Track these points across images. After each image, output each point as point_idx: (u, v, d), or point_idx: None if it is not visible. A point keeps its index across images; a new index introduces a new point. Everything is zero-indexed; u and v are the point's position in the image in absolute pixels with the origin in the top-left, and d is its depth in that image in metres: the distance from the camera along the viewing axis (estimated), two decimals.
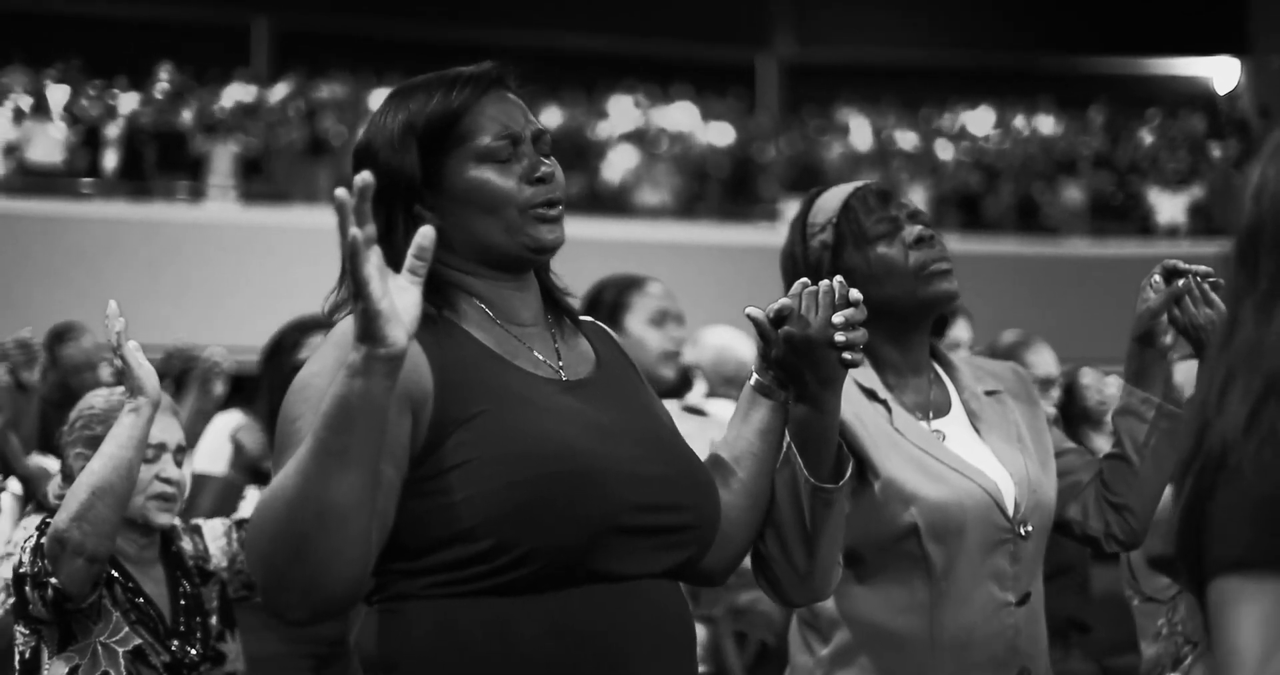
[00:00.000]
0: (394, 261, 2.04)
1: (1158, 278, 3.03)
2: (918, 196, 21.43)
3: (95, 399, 3.69)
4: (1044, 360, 5.21)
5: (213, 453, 5.72)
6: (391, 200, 2.33)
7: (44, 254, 16.36)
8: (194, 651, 3.55)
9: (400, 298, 2.00)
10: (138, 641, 3.48)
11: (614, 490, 2.24)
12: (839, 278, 2.48)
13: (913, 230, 2.99)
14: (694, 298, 6.98)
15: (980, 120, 24.22)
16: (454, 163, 2.37)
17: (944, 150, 22.93)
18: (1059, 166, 22.43)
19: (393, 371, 2.00)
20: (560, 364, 2.41)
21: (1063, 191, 21.95)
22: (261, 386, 5.44)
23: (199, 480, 5.62)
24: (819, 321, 2.44)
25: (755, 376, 2.54)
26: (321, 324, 5.47)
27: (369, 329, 1.97)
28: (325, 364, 2.19)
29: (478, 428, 2.22)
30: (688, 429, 4.73)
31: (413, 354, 2.20)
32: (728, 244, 18.28)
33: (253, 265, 16.55)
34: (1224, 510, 1.64)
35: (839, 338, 2.43)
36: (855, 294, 2.46)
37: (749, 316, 2.51)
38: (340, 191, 1.91)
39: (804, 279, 2.51)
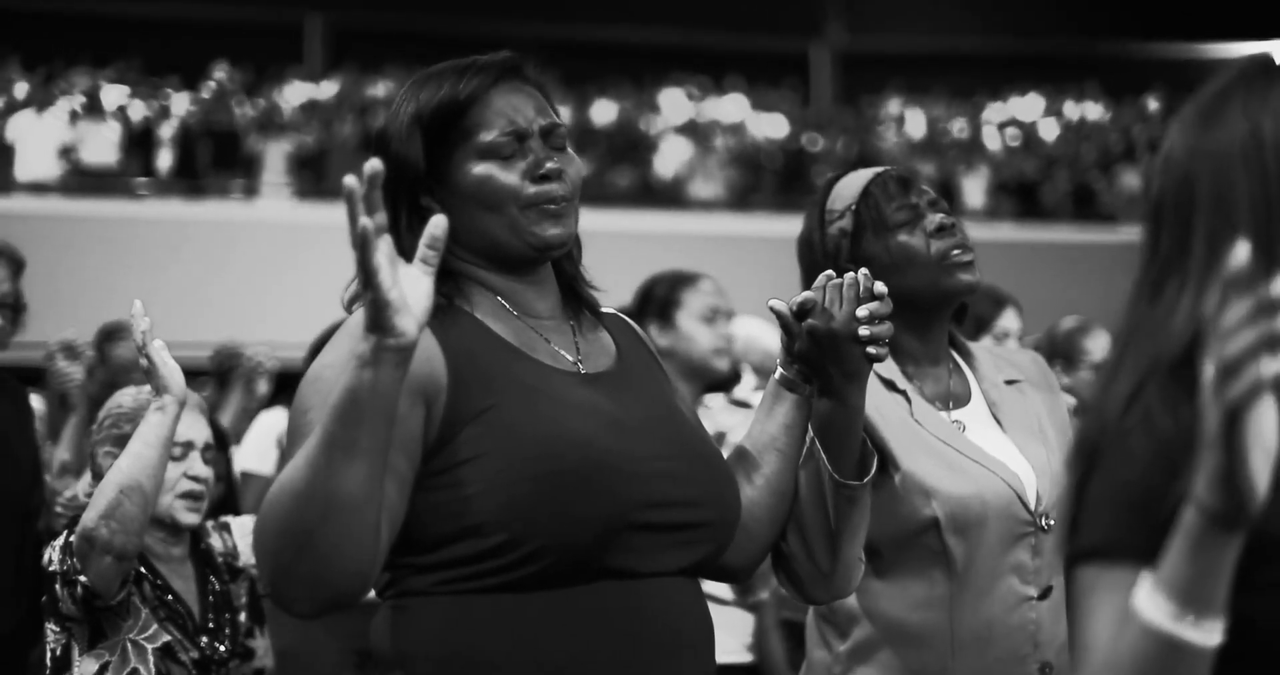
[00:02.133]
0: (400, 252, 2.01)
1: None
2: (973, 185, 21.35)
3: (124, 398, 3.72)
4: (1102, 346, 5.16)
5: (259, 452, 5.74)
6: (397, 191, 2.30)
7: (99, 254, 16.44)
8: (223, 648, 3.57)
9: (411, 288, 1.96)
10: (166, 638, 3.50)
11: (627, 486, 2.21)
12: (864, 271, 2.45)
13: (934, 218, 2.93)
14: (748, 290, 6.95)
15: (1033, 107, 24.08)
16: (458, 157, 2.34)
17: (993, 138, 22.81)
18: (1115, 153, 22.28)
19: (402, 362, 1.97)
20: (579, 356, 2.38)
21: (1119, 178, 21.80)
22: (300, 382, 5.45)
23: (245, 479, 5.63)
24: (843, 315, 2.42)
25: (780, 370, 2.51)
26: None
27: (378, 319, 1.94)
28: (338, 354, 2.16)
29: (490, 421, 2.20)
30: (733, 421, 4.75)
31: (427, 345, 2.18)
32: (782, 236, 18.17)
33: (306, 263, 16.59)
34: (1092, 495, 1.60)
35: (863, 332, 2.41)
36: (880, 287, 2.43)
37: (772, 309, 2.48)
38: (349, 179, 1.89)
39: (828, 271, 2.49)
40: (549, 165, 2.33)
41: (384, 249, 1.92)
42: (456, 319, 2.30)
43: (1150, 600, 1.46)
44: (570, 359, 2.36)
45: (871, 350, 2.42)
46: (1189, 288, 1.62)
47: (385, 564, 2.16)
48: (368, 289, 1.93)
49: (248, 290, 16.51)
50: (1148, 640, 1.46)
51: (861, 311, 2.41)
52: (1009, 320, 5.56)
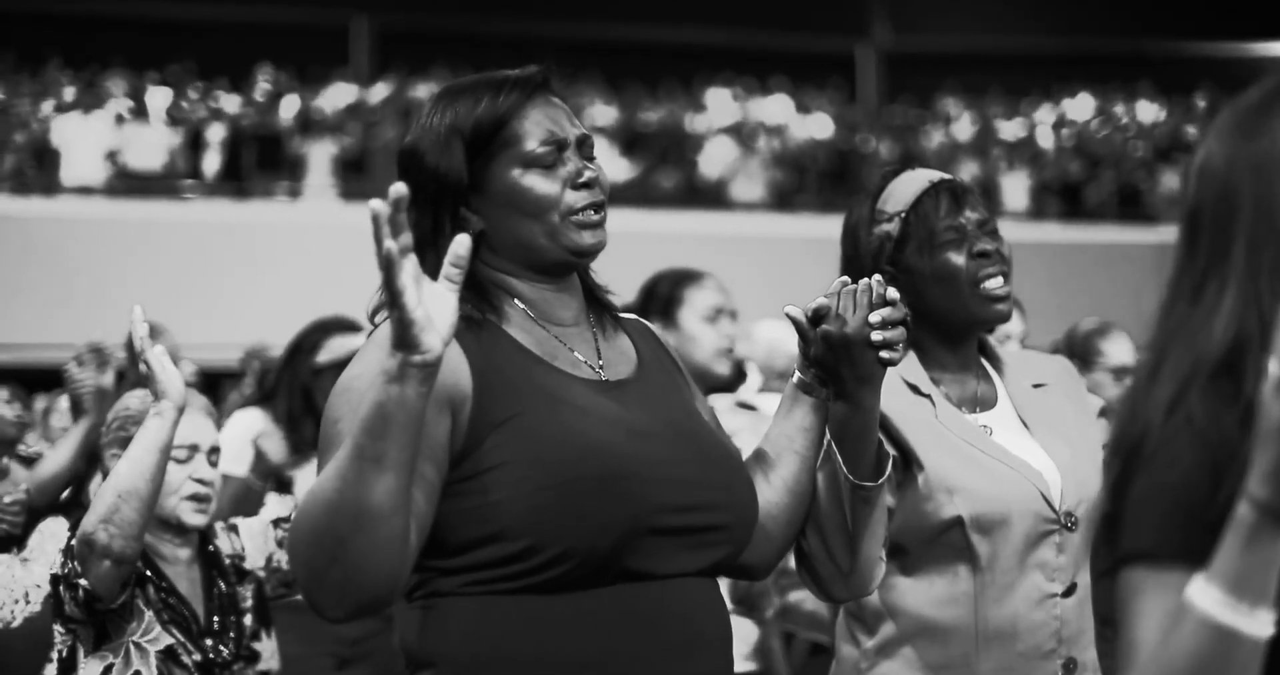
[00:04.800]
0: (439, 263, 2.08)
1: None
2: (1018, 185, 21.30)
3: (131, 400, 3.75)
4: (1120, 349, 5.15)
5: (233, 453, 5.74)
6: (438, 202, 2.38)
7: (144, 256, 16.54)
8: (226, 650, 3.60)
9: (436, 305, 2.04)
10: (169, 641, 3.54)
11: (647, 491, 2.27)
12: (877, 277, 2.52)
13: (979, 244, 2.97)
14: (791, 291, 6.96)
15: (1081, 107, 24.00)
16: (499, 167, 2.41)
17: (1045, 138, 22.74)
18: (1160, 153, 22.19)
19: (428, 378, 2.04)
20: (600, 364, 2.44)
21: (1163, 178, 21.72)
22: (279, 387, 5.46)
23: (223, 481, 5.66)
24: (856, 320, 2.49)
25: (797, 374, 2.58)
26: (342, 325, 5.52)
27: (404, 337, 2.01)
28: (367, 366, 2.22)
29: (514, 429, 2.26)
30: (739, 424, 4.77)
31: (453, 356, 2.25)
32: (826, 237, 18.15)
33: (351, 264, 16.64)
34: (1136, 497, 1.63)
35: (876, 337, 2.48)
36: (893, 293, 2.50)
37: (787, 315, 2.56)
38: (376, 203, 1.95)
39: (844, 277, 2.56)
40: (588, 174, 2.42)
41: (409, 269, 2.00)
42: (482, 329, 2.36)
43: (1203, 592, 1.50)
44: (592, 366, 2.43)
45: (885, 355, 2.49)
46: (1230, 290, 1.65)
47: (414, 567, 2.23)
48: (393, 308, 2.00)
49: (292, 292, 16.58)
50: (1201, 632, 1.50)
51: (874, 317, 2.47)
52: (1012, 322, 5.55)
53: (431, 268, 2.09)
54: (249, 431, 5.67)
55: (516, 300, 2.43)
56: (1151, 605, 1.58)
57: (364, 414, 2.05)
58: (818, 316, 2.52)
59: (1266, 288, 1.64)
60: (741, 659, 4.54)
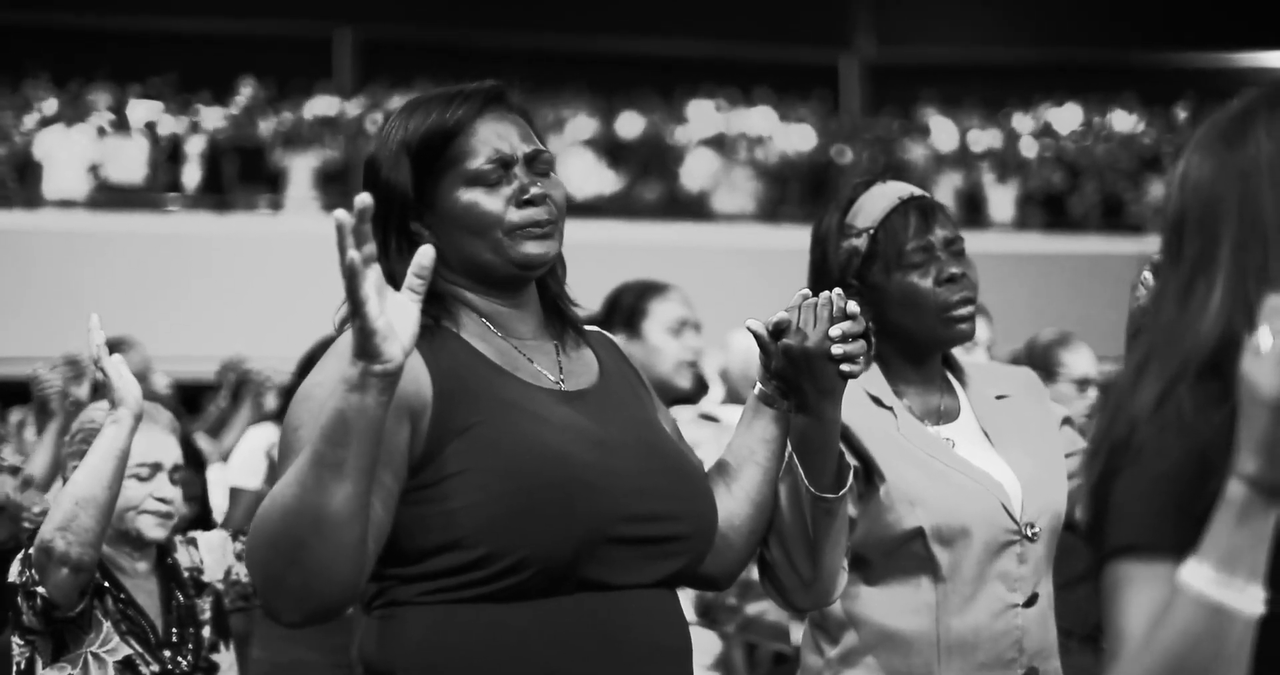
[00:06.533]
0: (389, 276, 2.10)
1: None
2: (1001, 196, 21.33)
3: (95, 412, 3.74)
4: (1081, 360, 5.15)
5: (249, 467, 5.76)
6: (387, 217, 2.38)
7: (126, 269, 16.52)
8: (184, 662, 3.60)
9: (398, 315, 2.06)
10: (127, 652, 3.53)
11: (605, 501, 2.28)
12: (838, 290, 2.55)
13: (946, 268, 2.97)
14: (774, 302, 6.97)
15: (1064, 118, 24.05)
16: (446, 183, 2.42)
17: (1028, 149, 22.78)
18: (1144, 163, 22.25)
19: (388, 387, 2.07)
20: (561, 375, 2.45)
21: (1148, 189, 21.77)
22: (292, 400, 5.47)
23: (234, 493, 5.66)
24: (816, 334, 2.51)
25: (759, 386, 2.60)
26: None
27: (366, 346, 2.04)
28: (329, 374, 2.24)
29: (473, 438, 2.28)
30: (702, 436, 4.78)
31: (413, 365, 2.26)
32: (809, 249, 18.17)
33: (332, 276, 16.61)
34: (1122, 492, 1.64)
35: (836, 350, 2.50)
36: (853, 307, 2.52)
37: (748, 328, 2.58)
38: (339, 213, 1.99)
39: (804, 290, 2.58)
40: (533, 191, 2.41)
41: (372, 279, 2.03)
42: (443, 339, 2.38)
43: (1194, 571, 1.52)
44: (552, 378, 2.44)
45: (845, 368, 2.51)
46: (1216, 293, 1.67)
47: (372, 576, 2.25)
48: (356, 318, 2.03)
49: (273, 304, 16.58)
50: (1194, 610, 1.51)
51: (835, 331, 2.50)
52: (979, 330, 5.55)
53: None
54: (264, 444, 5.69)
55: (475, 313, 2.44)
56: (1141, 597, 1.59)
57: (324, 422, 2.07)
58: (779, 330, 2.54)
59: (1254, 289, 1.66)
60: (705, 669, 4.54)
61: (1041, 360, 5.06)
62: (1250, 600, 1.52)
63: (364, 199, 2.01)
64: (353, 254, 2.00)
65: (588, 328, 2.61)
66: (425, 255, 2.07)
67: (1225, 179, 1.70)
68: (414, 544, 2.27)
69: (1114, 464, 1.66)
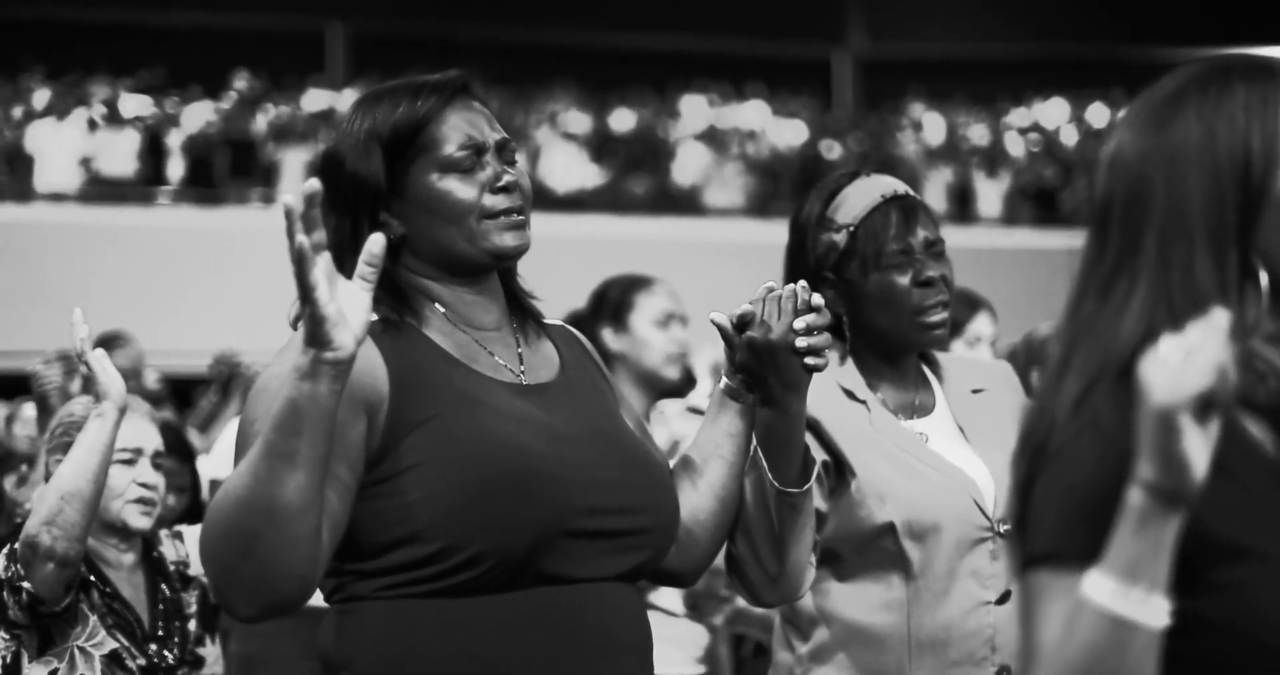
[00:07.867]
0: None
1: None
2: (991, 191, 21.33)
3: (76, 407, 3.74)
4: None
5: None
6: (357, 207, 2.38)
7: (117, 262, 16.50)
8: (171, 656, 3.60)
9: (350, 303, 2.05)
10: (114, 645, 3.53)
11: (563, 494, 2.28)
12: (802, 283, 2.53)
13: (924, 270, 2.93)
14: None
15: (1055, 113, 24.03)
16: (417, 172, 2.40)
17: (1018, 144, 22.76)
18: None
19: (340, 375, 2.05)
20: (521, 368, 2.44)
21: None
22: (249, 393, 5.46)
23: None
24: (781, 327, 2.49)
25: (724, 380, 2.58)
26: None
27: (316, 333, 2.03)
28: (283, 366, 2.21)
29: (431, 431, 2.27)
30: (690, 429, 4.77)
31: (369, 357, 2.25)
32: None
33: None
34: (1040, 499, 1.60)
35: (801, 343, 2.48)
36: (818, 299, 2.51)
37: (713, 322, 2.56)
38: (288, 198, 1.98)
39: (769, 283, 2.56)
40: (506, 178, 2.41)
41: (321, 266, 2.02)
42: (401, 332, 2.36)
43: (1096, 583, 1.49)
44: (512, 370, 2.43)
45: (810, 361, 2.50)
46: (1139, 288, 1.64)
47: (331, 571, 2.25)
48: (305, 304, 2.01)
49: (265, 298, 16.53)
50: (1097, 624, 1.49)
51: (799, 324, 2.48)
52: (982, 325, 5.57)
53: (351, 272, 2.09)
54: None
55: (436, 304, 2.43)
56: (1054, 608, 1.55)
57: (275, 412, 2.06)
58: (743, 323, 2.52)
59: (1177, 284, 1.62)
60: (693, 662, 4.56)
61: (1039, 355, 5.07)
62: (1152, 612, 1.48)
63: (313, 184, 1.99)
64: (301, 239, 1.99)
65: (551, 322, 2.59)
66: (376, 243, 2.06)
67: (1152, 164, 1.66)
68: (371, 539, 2.26)
69: (1034, 467, 1.62)
